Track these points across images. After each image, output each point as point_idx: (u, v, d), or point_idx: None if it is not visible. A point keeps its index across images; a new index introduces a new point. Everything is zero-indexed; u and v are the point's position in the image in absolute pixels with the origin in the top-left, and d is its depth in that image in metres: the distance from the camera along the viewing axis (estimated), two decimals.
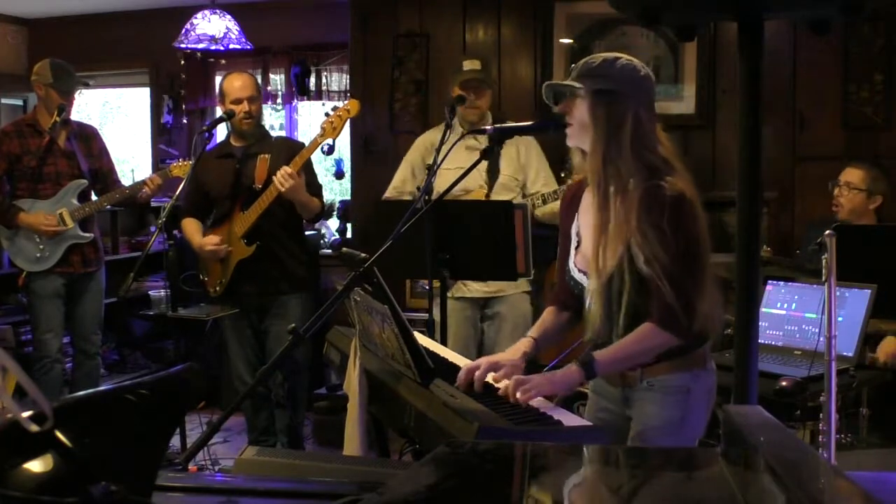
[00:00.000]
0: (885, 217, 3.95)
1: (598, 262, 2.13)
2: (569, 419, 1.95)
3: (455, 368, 2.34)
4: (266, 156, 4.06)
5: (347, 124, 4.07)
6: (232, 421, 4.41)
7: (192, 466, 2.61)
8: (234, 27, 5.07)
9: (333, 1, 5.64)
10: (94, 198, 4.51)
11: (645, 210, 2.08)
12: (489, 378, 2.19)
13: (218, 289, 4.14)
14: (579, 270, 2.27)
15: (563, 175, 4.16)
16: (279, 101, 6.09)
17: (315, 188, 4.18)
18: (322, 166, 5.91)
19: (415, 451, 2.17)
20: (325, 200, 4.45)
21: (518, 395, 2.02)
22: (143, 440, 0.97)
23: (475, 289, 3.98)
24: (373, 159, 5.38)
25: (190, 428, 4.19)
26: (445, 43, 5.22)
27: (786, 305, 3.41)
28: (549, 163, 4.15)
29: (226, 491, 1.24)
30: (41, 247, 4.38)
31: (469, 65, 4.17)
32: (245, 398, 3.80)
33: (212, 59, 6.06)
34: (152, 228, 5.32)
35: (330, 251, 5.69)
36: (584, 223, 2.29)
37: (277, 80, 6.03)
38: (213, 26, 4.99)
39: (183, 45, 5.08)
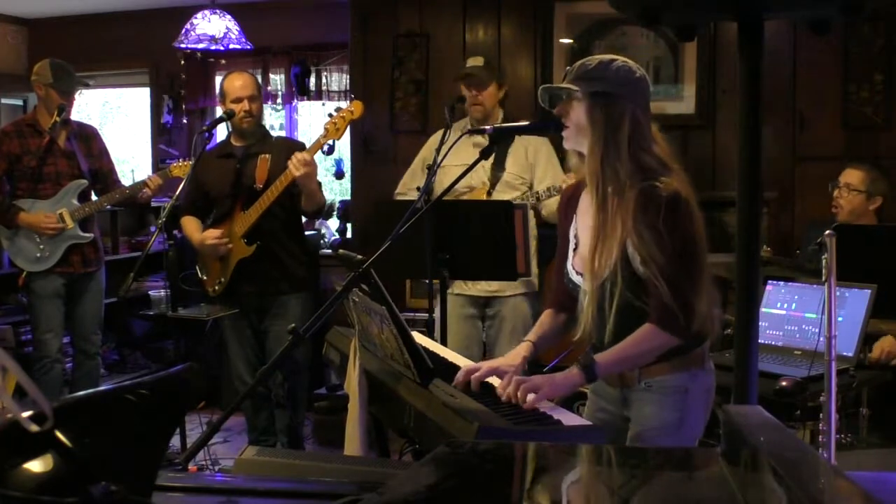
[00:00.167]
0: (885, 218, 3.95)
1: (594, 264, 2.14)
2: (568, 419, 1.95)
3: (455, 368, 2.34)
4: (267, 156, 4.06)
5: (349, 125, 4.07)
6: (232, 421, 4.41)
7: (192, 466, 2.62)
8: (234, 27, 5.07)
9: (333, 1, 5.64)
10: (94, 198, 4.51)
11: (641, 211, 2.08)
12: (494, 384, 2.19)
13: (217, 288, 4.14)
14: (577, 272, 2.27)
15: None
16: (279, 101, 6.09)
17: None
18: (322, 166, 5.90)
19: (415, 451, 2.17)
20: (325, 200, 4.45)
21: (522, 399, 2.02)
22: (143, 440, 0.97)
23: (477, 287, 3.98)
24: (373, 159, 5.38)
25: (190, 428, 4.19)
26: (445, 43, 5.22)
27: (786, 305, 3.41)
28: None
29: (226, 491, 1.24)
30: (41, 247, 4.38)
31: (471, 62, 4.16)
32: (245, 398, 3.80)
33: (212, 59, 6.06)
34: (152, 228, 5.32)
35: (330, 251, 5.69)
36: (583, 225, 2.29)
37: (277, 80, 6.03)
38: (213, 26, 4.99)
39: (183, 45, 5.08)
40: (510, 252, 3.36)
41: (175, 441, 3.71)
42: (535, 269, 3.96)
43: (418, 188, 4.11)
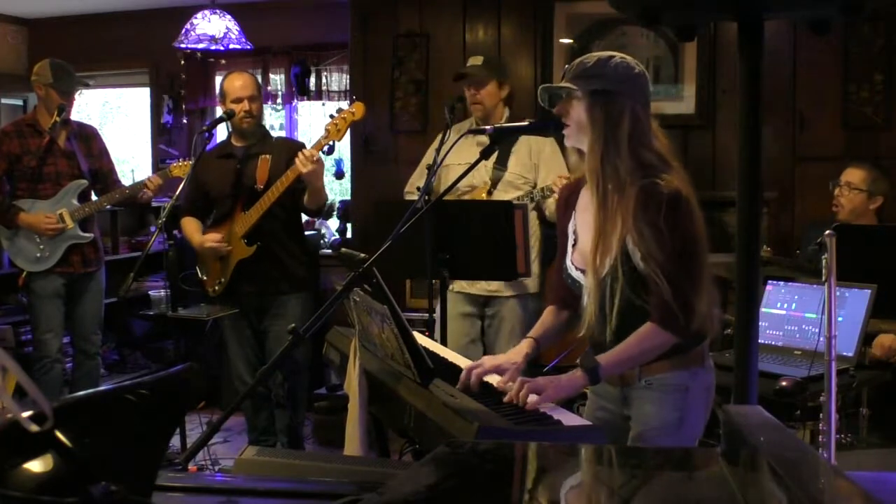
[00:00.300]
0: (886, 217, 3.95)
1: (595, 260, 2.14)
2: (569, 419, 1.95)
3: (455, 368, 2.34)
4: (267, 156, 4.06)
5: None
6: (232, 421, 4.42)
7: (192, 466, 2.62)
8: (234, 27, 5.07)
9: (333, 1, 5.64)
10: (94, 198, 4.51)
11: (641, 208, 2.08)
12: (494, 382, 2.19)
13: (217, 288, 4.14)
14: (577, 268, 2.27)
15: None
16: (279, 101, 6.09)
17: None
18: None
19: (415, 451, 2.17)
20: (328, 198, 4.44)
21: (524, 401, 2.02)
22: (143, 440, 0.97)
23: (477, 286, 3.97)
24: (373, 159, 5.38)
25: (190, 428, 4.19)
26: (445, 43, 5.22)
27: (786, 305, 3.41)
28: None
29: (226, 491, 1.24)
30: (41, 247, 4.38)
31: (471, 61, 4.15)
32: (245, 398, 3.80)
33: (212, 59, 6.06)
34: (152, 228, 5.32)
35: (330, 251, 5.69)
36: (582, 221, 2.29)
37: (277, 80, 6.03)
38: (213, 26, 4.99)
39: (183, 45, 5.08)
40: (510, 252, 3.36)
41: (175, 441, 3.71)
42: (536, 269, 3.95)
43: (418, 188, 4.11)
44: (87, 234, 4.47)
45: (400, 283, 4.87)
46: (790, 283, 3.47)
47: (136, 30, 6.22)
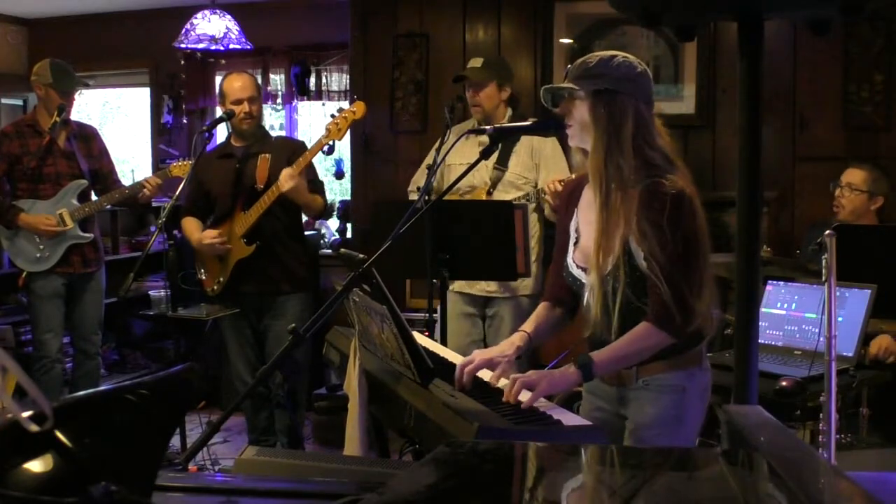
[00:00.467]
0: (886, 218, 3.95)
1: (598, 259, 2.13)
2: (568, 419, 1.95)
3: (455, 368, 2.34)
4: (267, 156, 4.06)
5: None
6: (232, 421, 4.42)
7: (192, 466, 2.62)
8: (234, 27, 5.07)
9: (333, 1, 5.64)
10: (94, 198, 4.51)
11: (645, 207, 2.08)
12: (488, 378, 2.19)
13: (216, 287, 4.14)
14: (578, 266, 2.27)
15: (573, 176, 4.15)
16: (279, 101, 6.09)
17: (317, 185, 4.18)
18: (322, 166, 5.90)
19: (415, 451, 2.17)
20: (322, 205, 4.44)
21: (520, 398, 2.02)
22: (143, 440, 0.97)
23: (477, 287, 3.97)
24: (373, 159, 5.38)
25: (190, 428, 4.19)
26: (445, 43, 5.22)
27: (786, 305, 3.41)
28: None
29: (226, 491, 1.24)
30: (41, 247, 4.38)
31: (471, 63, 4.13)
32: (245, 398, 3.80)
33: (212, 59, 6.06)
34: (152, 228, 5.32)
35: (330, 251, 5.69)
36: (584, 219, 2.29)
37: (277, 80, 6.02)
38: (213, 26, 4.99)
39: (183, 45, 5.08)
40: (510, 252, 3.36)
41: (175, 441, 3.71)
42: (535, 270, 3.95)
43: (419, 188, 4.10)
44: (87, 235, 4.47)
45: (400, 283, 4.87)
46: (790, 283, 3.47)
47: (136, 30, 6.22)
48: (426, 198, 3.09)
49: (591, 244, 2.18)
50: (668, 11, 1.49)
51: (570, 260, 2.31)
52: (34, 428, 0.84)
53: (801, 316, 3.35)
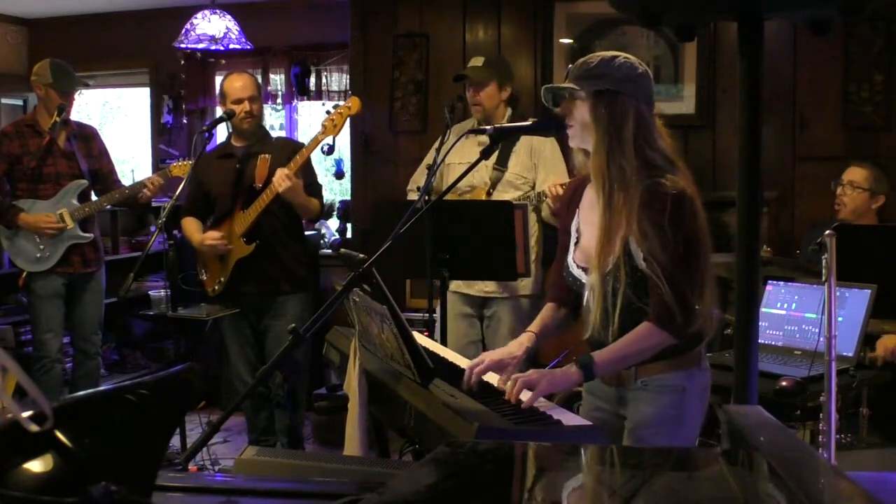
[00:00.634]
0: (886, 217, 3.95)
1: (599, 259, 2.14)
2: (568, 419, 1.95)
3: (455, 368, 2.34)
4: (267, 156, 4.06)
5: (348, 123, 4.07)
6: (232, 421, 4.42)
7: (192, 466, 2.62)
8: (234, 27, 5.07)
9: (333, 1, 5.64)
10: (94, 198, 4.51)
11: (646, 207, 2.08)
12: (494, 382, 2.20)
13: (217, 287, 4.14)
14: (578, 266, 2.27)
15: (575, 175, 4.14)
16: (279, 101, 6.09)
17: (315, 188, 4.18)
18: (322, 166, 5.90)
19: (415, 451, 2.17)
20: (325, 200, 4.44)
21: (521, 398, 2.02)
22: (143, 440, 0.97)
23: (475, 287, 3.96)
24: (373, 159, 5.38)
25: (190, 428, 4.19)
26: (445, 43, 5.22)
27: (786, 305, 3.41)
28: None
29: (226, 491, 1.24)
30: (41, 247, 4.38)
31: (471, 62, 4.13)
32: (245, 398, 3.80)
33: (212, 59, 6.06)
34: (152, 228, 5.32)
35: (330, 251, 5.69)
36: (585, 220, 2.29)
37: (277, 80, 6.02)
38: (213, 26, 4.99)
39: (183, 45, 5.08)
40: (510, 252, 3.36)
41: (175, 441, 3.71)
42: (535, 270, 3.94)
43: (418, 188, 4.10)
44: (87, 235, 4.47)
45: (400, 283, 4.87)
46: (790, 283, 3.47)
47: (136, 30, 6.22)
48: (426, 198, 3.08)
49: (591, 244, 2.18)
50: (668, 11, 1.49)
51: (570, 260, 2.31)
52: (34, 428, 0.84)
53: (801, 316, 3.35)
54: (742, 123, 1.47)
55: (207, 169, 4.15)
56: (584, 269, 2.23)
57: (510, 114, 4.06)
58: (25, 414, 0.85)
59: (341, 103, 4.08)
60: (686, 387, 2.20)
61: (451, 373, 2.24)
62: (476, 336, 4.02)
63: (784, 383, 2.88)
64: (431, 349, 2.49)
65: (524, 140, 3.95)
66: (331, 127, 3.89)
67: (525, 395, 2.03)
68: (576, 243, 2.31)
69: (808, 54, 4.64)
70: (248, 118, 4.10)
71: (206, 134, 4.18)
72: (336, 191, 6.37)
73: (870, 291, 3.13)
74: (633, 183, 2.11)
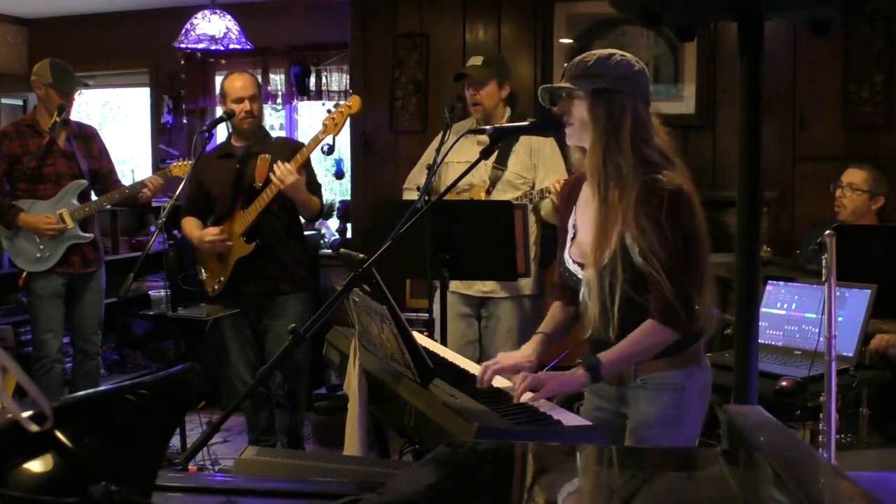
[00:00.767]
0: (886, 218, 3.95)
1: (595, 254, 2.14)
2: (568, 419, 1.95)
3: (455, 368, 2.34)
4: (266, 155, 4.06)
5: (348, 123, 4.07)
6: (232, 421, 4.42)
7: (192, 466, 2.62)
8: (234, 27, 5.07)
9: (333, 1, 5.64)
10: (94, 198, 4.51)
11: (644, 204, 2.08)
12: (505, 384, 2.21)
13: (217, 287, 4.14)
14: (574, 261, 2.28)
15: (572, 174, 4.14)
16: (279, 101, 6.09)
17: (314, 187, 4.18)
18: (322, 166, 5.91)
19: (415, 451, 2.17)
20: (324, 200, 4.44)
21: (528, 397, 2.03)
22: (143, 440, 0.97)
23: (473, 287, 3.96)
24: (373, 159, 5.38)
25: (190, 428, 4.19)
26: (445, 43, 5.22)
27: (786, 305, 3.41)
28: None
29: (226, 491, 1.24)
30: (41, 247, 4.38)
31: (471, 61, 4.13)
32: (245, 398, 3.80)
33: (212, 59, 6.06)
34: (152, 228, 5.32)
35: (330, 251, 5.69)
36: (582, 216, 2.30)
37: (277, 80, 6.02)
38: (213, 26, 4.99)
39: (183, 45, 5.08)
40: (510, 252, 3.36)
41: (175, 441, 3.71)
42: (533, 269, 3.94)
43: (418, 188, 4.10)
44: (87, 235, 4.47)
45: (400, 283, 4.87)
46: (790, 283, 3.47)
47: (136, 30, 6.22)
48: (426, 198, 3.08)
49: (587, 240, 2.19)
50: (668, 11, 1.49)
51: (566, 255, 2.32)
52: (34, 428, 0.84)
53: (801, 316, 3.35)
54: (742, 123, 1.46)
55: (207, 169, 4.15)
56: (580, 265, 2.24)
57: (509, 113, 4.06)
58: (25, 414, 0.85)
59: (342, 103, 4.08)
60: (686, 385, 2.20)
61: (451, 373, 2.24)
62: (473, 336, 4.02)
63: (784, 383, 2.88)
64: (431, 349, 2.49)
65: (523, 140, 3.95)
66: (331, 126, 3.89)
67: (525, 397, 2.04)
68: (572, 239, 2.32)
69: (808, 54, 4.64)
70: (248, 118, 4.10)
71: (206, 134, 4.18)
72: (336, 191, 6.37)
73: (870, 291, 3.13)
74: (629, 180, 2.12)
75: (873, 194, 3.90)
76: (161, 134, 6.38)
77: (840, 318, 2.90)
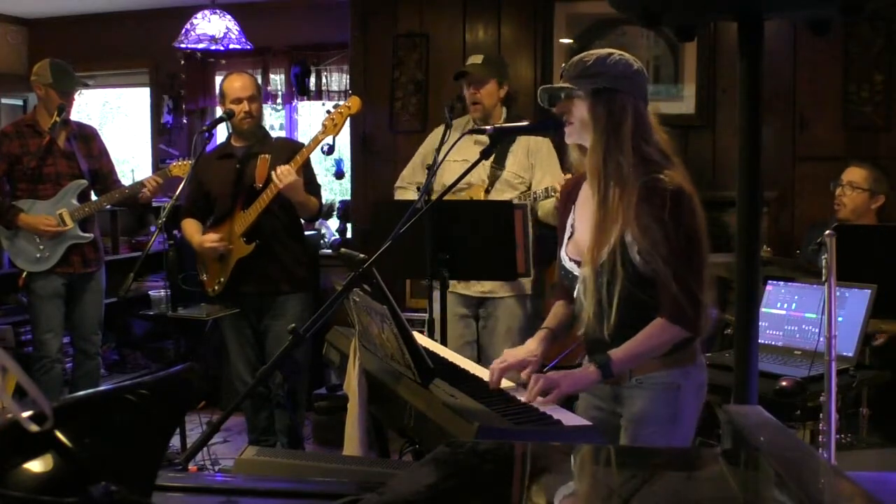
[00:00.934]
0: (886, 217, 3.95)
1: (592, 253, 2.14)
2: (568, 419, 1.95)
3: (455, 368, 2.34)
4: (266, 156, 4.06)
5: (348, 123, 4.07)
6: (232, 421, 4.42)
7: (192, 466, 2.62)
8: (234, 27, 5.07)
9: (333, 1, 5.64)
10: (94, 198, 4.51)
11: (646, 203, 2.09)
12: (515, 378, 2.23)
13: (217, 288, 4.14)
14: (570, 259, 2.28)
15: (569, 175, 4.14)
16: (279, 101, 6.09)
17: (314, 187, 4.18)
18: (322, 166, 5.90)
19: (415, 451, 2.17)
20: (324, 200, 4.44)
21: (534, 397, 2.04)
22: (143, 440, 0.97)
23: (471, 287, 3.96)
24: (373, 159, 5.38)
25: (190, 428, 4.19)
26: (445, 43, 5.22)
27: (786, 305, 3.41)
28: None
29: (226, 491, 1.24)
30: (41, 247, 4.38)
31: (470, 59, 4.13)
32: (245, 398, 3.80)
33: (212, 59, 6.06)
34: (152, 228, 5.32)
35: (330, 251, 5.69)
36: (580, 215, 2.30)
37: (277, 80, 6.02)
38: (213, 26, 4.99)
39: (183, 45, 5.08)
40: (510, 252, 3.36)
41: (175, 441, 3.71)
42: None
43: (418, 188, 4.10)
44: (87, 235, 4.47)
45: (400, 283, 4.87)
46: (790, 283, 3.47)
47: (136, 30, 6.22)
48: (426, 198, 3.08)
49: (584, 238, 2.20)
50: (668, 11, 1.49)
51: (563, 253, 2.32)
52: (34, 428, 0.84)
53: (801, 316, 3.35)
54: (742, 123, 1.47)
55: (207, 169, 4.15)
56: (577, 263, 2.24)
57: (505, 113, 4.07)
58: (25, 414, 0.85)
59: (341, 103, 4.08)
60: (682, 384, 2.20)
61: (451, 373, 2.24)
62: (472, 336, 4.02)
63: (784, 383, 2.88)
64: (431, 349, 2.49)
65: (521, 140, 3.96)
66: (331, 126, 3.89)
67: (540, 400, 2.05)
68: (569, 237, 2.32)
69: (808, 54, 4.64)
70: (246, 118, 4.10)
71: (206, 134, 4.18)
72: (336, 191, 6.37)
73: (870, 291, 3.13)
74: (630, 179, 2.12)
75: (873, 193, 3.90)
76: (161, 134, 6.38)
77: (840, 318, 2.90)
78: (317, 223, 5.77)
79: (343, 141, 4.96)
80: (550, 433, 1.86)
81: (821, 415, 2.59)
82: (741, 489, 1.04)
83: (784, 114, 4.68)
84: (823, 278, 2.40)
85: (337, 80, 5.91)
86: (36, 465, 0.86)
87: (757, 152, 1.46)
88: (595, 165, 2.16)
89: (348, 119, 3.98)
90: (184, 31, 5.02)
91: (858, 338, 3.14)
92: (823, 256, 2.39)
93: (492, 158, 3.89)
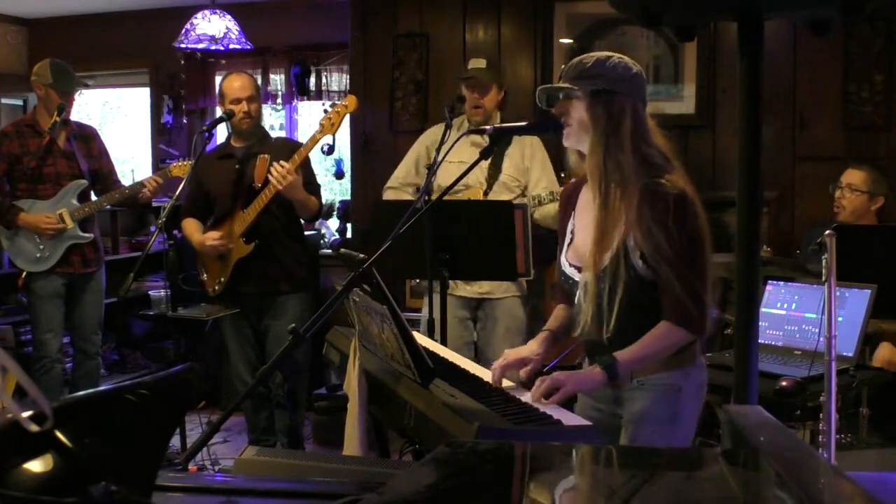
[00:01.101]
0: (886, 218, 3.95)
1: (594, 256, 2.14)
2: (568, 419, 1.95)
3: (455, 368, 2.34)
4: (266, 156, 4.06)
5: (347, 122, 4.07)
6: (232, 421, 4.41)
7: (192, 466, 2.62)
8: (234, 27, 5.07)
9: (333, 1, 5.64)
10: (94, 198, 4.51)
11: (648, 207, 2.09)
12: (516, 377, 2.24)
13: (217, 288, 4.14)
14: (571, 265, 2.28)
15: (563, 175, 4.14)
16: (279, 101, 6.09)
17: (313, 187, 4.18)
18: (322, 166, 5.91)
19: (415, 451, 2.17)
20: (324, 200, 4.43)
21: (539, 398, 2.05)
22: (143, 440, 0.97)
23: (469, 289, 3.96)
24: (372, 159, 5.38)
25: (190, 428, 4.19)
26: (445, 43, 5.22)
27: (786, 305, 3.41)
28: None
29: (226, 491, 1.24)
30: (41, 247, 4.38)
31: (473, 63, 4.14)
32: (245, 398, 3.80)
33: (212, 59, 6.06)
34: (152, 228, 5.32)
35: (330, 251, 5.69)
36: (580, 220, 2.30)
37: (277, 80, 6.02)
38: (213, 26, 4.99)
39: (183, 45, 5.08)
40: (510, 252, 3.36)
41: (175, 441, 3.71)
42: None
43: (417, 188, 4.10)
44: (87, 235, 4.47)
45: (400, 283, 4.86)
46: (790, 283, 3.47)
47: (136, 30, 6.22)
48: (426, 198, 3.08)
49: (585, 243, 2.20)
50: (668, 11, 1.49)
51: (563, 259, 2.32)
52: (34, 428, 0.84)
53: (801, 316, 3.35)
54: (742, 123, 1.47)
55: (207, 169, 4.15)
56: (577, 268, 2.24)
57: (499, 118, 4.09)
58: (25, 414, 0.85)
59: (338, 102, 4.08)
60: (682, 385, 2.20)
61: (451, 373, 2.24)
62: (470, 338, 4.03)
63: (784, 383, 2.88)
64: (431, 349, 2.49)
65: (516, 142, 3.98)
66: (328, 126, 3.89)
67: (544, 401, 2.05)
68: (569, 243, 2.32)
69: (808, 54, 4.64)
70: (246, 118, 4.10)
71: (206, 134, 4.18)
72: (336, 191, 6.37)
73: (870, 291, 3.13)
74: (630, 181, 2.12)
75: (872, 195, 3.90)
76: (161, 134, 6.38)
77: (840, 318, 2.90)
78: (317, 223, 5.77)
79: (343, 141, 4.96)
80: (550, 433, 1.86)
81: (821, 415, 2.59)
82: (741, 489, 1.04)
83: (784, 114, 4.68)
84: (823, 278, 2.40)
85: (337, 80, 5.91)
86: (36, 465, 0.86)
87: (757, 152, 1.46)
88: (595, 165, 2.16)
89: (347, 118, 3.98)
90: (184, 31, 5.02)
91: (858, 338, 3.14)
92: (823, 256, 2.39)
93: (490, 160, 3.90)
